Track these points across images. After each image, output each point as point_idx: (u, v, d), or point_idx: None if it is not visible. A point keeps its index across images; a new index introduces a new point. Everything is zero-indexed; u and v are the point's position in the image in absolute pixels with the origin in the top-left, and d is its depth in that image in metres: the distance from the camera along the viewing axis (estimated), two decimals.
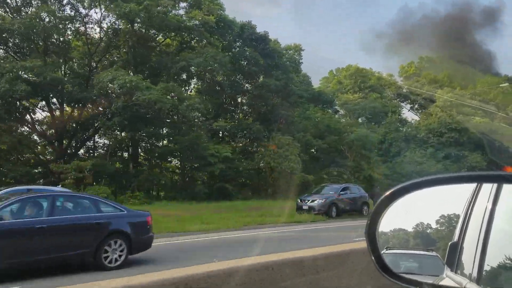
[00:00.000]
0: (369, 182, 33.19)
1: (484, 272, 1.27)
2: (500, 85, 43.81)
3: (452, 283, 1.35)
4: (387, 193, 1.47)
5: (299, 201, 20.23)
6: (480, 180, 1.44)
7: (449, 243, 1.40)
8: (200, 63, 23.44)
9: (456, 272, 1.37)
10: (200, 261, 4.58)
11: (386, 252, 1.47)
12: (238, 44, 31.45)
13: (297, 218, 18.32)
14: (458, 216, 1.44)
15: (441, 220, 1.48)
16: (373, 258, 1.44)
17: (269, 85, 29.23)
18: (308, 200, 19.90)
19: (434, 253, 1.45)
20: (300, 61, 40.84)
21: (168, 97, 21.82)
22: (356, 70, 49.02)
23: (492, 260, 1.26)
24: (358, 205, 21.14)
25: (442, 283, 1.38)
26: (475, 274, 1.29)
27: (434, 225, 1.47)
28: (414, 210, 1.50)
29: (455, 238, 1.41)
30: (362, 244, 1.80)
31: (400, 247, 1.52)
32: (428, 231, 1.46)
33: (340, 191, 20.26)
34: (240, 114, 33.96)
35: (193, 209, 20.84)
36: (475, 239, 1.33)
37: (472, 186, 1.43)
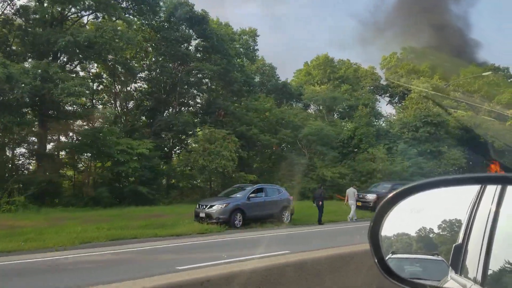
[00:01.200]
0: (323, 182, 28.58)
1: (488, 274, 1.29)
2: (483, 74, 38.89)
3: (456, 285, 1.37)
4: (390, 195, 1.48)
5: (197, 206, 15.60)
6: (484, 181, 1.46)
7: (454, 245, 1.43)
8: (89, 37, 18.78)
9: (460, 274, 1.39)
10: None
11: (392, 256, 1.49)
12: (170, 25, 26.75)
13: (182, 229, 15.26)
14: (462, 218, 1.46)
15: (445, 223, 1.48)
16: (376, 261, 1.47)
17: (203, 71, 24.58)
18: (206, 206, 15.23)
19: (439, 258, 1.46)
20: (256, 47, 36.15)
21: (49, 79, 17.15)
22: (324, 60, 44.51)
23: (497, 262, 1.28)
24: (277, 211, 16.46)
25: (447, 285, 1.40)
26: (479, 276, 1.31)
27: (437, 229, 1.48)
28: (417, 212, 1.50)
29: (459, 240, 1.43)
30: (365, 246, 1.77)
31: (405, 251, 1.52)
32: (431, 236, 1.47)
33: (250, 194, 15.58)
34: (188, 107, 29.31)
35: (67, 217, 16.35)
36: (479, 241, 1.36)
37: (476, 187, 1.46)
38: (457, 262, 1.41)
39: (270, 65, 41.97)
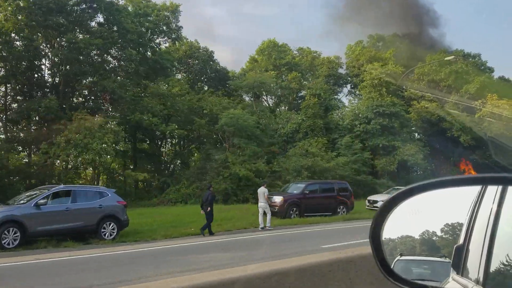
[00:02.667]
0: (237, 182, 23.12)
1: (489, 275, 1.34)
2: (446, 58, 33.12)
3: (457, 286, 1.42)
4: (391, 196, 1.55)
5: None
6: (485, 182, 1.52)
7: (455, 246, 1.49)
8: None
9: (462, 275, 1.44)
10: None
11: (400, 259, 1.57)
12: None
13: None
14: (463, 219, 1.53)
15: (447, 224, 1.55)
16: (377, 262, 1.54)
17: (78, 45, 19.04)
18: None
19: (447, 260, 1.51)
20: (178, 24, 30.77)
21: None
22: (269, 45, 39.46)
23: (498, 263, 1.33)
24: (92, 223, 10.81)
25: (448, 286, 1.46)
26: (481, 276, 1.36)
27: (440, 230, 1.54)
28: (420, 213, 1.57)
29: (461, 240, 1.50)
30: (368, 248, 1.70)
31: (410, 253, 1.58)
32: (433, 238, 1.54)
33: (41, 200, 9.78)
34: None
35: None
36: (480, 241, 1.42)
37: (477, 187, 1.53)
38: (459, 263, 1.44)
39: (206, 48, 36.35)
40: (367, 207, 27.05)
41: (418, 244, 1.51)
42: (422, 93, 41.81)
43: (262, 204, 17.82)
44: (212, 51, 40.51)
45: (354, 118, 38.64)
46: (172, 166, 34.14)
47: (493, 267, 1.30)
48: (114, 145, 21.27)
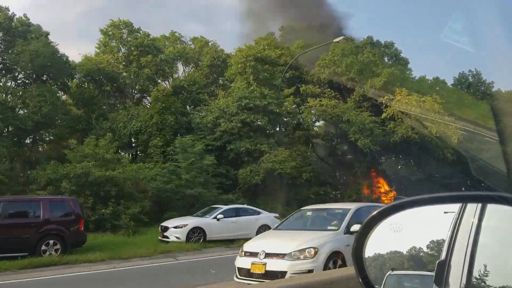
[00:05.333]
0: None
1: None
2: (334, 40, 29.95)
3: None
4: (373, 214, 1.61)
5: None
6: (465, 200, 1.60)
7: (437, 262, 1.55)
8: None
9: None
10: None
11: (392, 273, 1.61)
12: None
13: None
14: (445, 235, 1.60)
15: (431, 240, 1.62)
16: (360, 280, 1.56)
17: None
18: None
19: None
20: None
21: None
22: (114, 25, 30.97)
23: (479, 278, 1.38)
24: None
25: None
26: None
27: (426, 246, 1.61)
28: (405, 230, 1.65)
29: (443, 256, 1.55)
30: (347, 270, 2.73)
31: (404, 268, 1.66)
32: (421, 254, 1.61)
33: None
34: None
35: None
36: (462, 257, 1.47)
37: (457, 205, 1.70)
38: (441, 279, 1.47)
39: (38, 28, 27.18)
40: (159, 238, 17.57)
41: (406, 260, 1.55)
42: (321, 87, 33.51)
43: None
44: (47, 32, 30.90)
45: (219, 115, 29.52)
46: None
47: (474, 282, 1.33)
48: None
